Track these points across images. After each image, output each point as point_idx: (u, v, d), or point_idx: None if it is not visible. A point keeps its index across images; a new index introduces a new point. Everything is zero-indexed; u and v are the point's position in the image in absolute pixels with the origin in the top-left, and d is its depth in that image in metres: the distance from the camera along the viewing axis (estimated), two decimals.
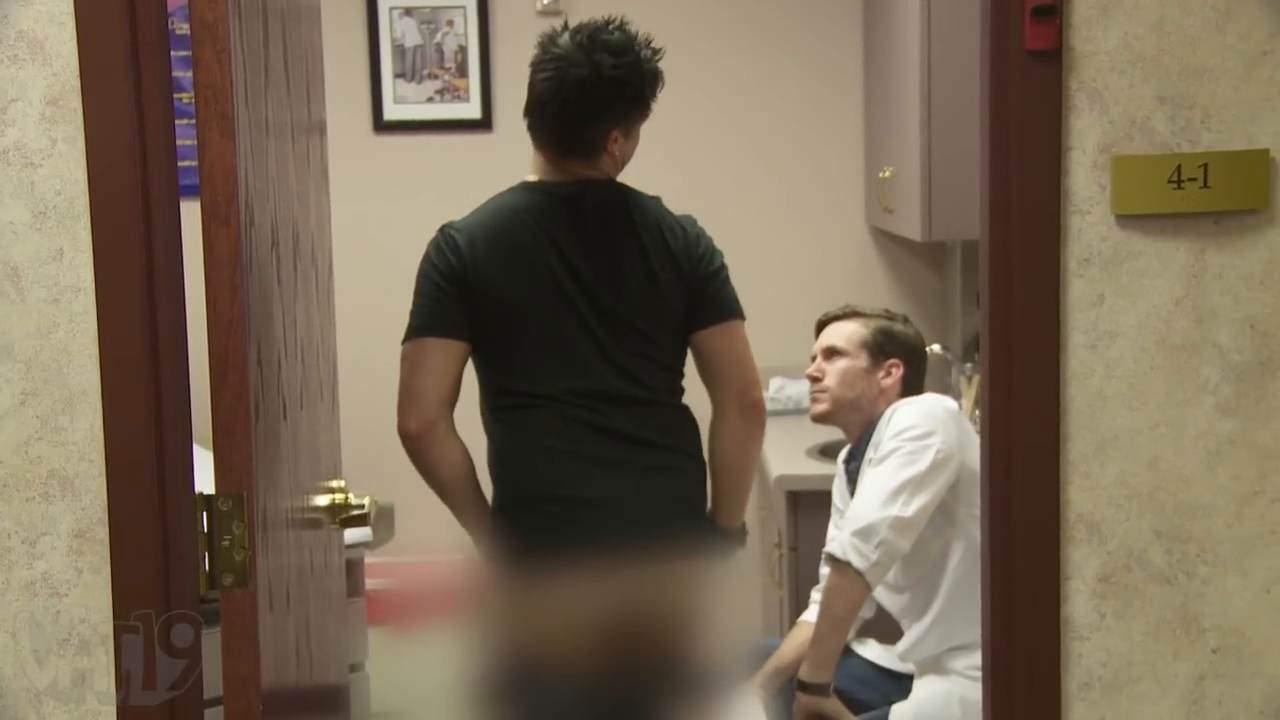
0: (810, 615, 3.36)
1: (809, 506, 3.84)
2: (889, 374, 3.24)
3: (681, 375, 2.92)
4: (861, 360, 3.25)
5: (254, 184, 2.06)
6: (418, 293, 2.89)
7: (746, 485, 2.95)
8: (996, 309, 1.90)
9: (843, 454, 3.36)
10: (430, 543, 4.79)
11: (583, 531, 2.79)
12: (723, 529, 2.94)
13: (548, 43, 2.86)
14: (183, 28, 1.98)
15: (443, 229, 2.91)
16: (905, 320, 3.34)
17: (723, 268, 2.90)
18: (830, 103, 4.78)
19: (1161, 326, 1.87)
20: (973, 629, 3.08)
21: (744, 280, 4.80)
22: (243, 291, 1.97)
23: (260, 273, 2.08)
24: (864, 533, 2.97)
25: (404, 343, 2.89)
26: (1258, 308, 1.85)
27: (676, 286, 2.85)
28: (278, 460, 2.19)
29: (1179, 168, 1.84)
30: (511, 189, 2.93)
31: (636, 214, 2.90)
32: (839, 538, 3.02)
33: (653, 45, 2.88)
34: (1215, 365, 1.86)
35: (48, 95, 1.84)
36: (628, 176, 4.98)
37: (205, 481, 1.98)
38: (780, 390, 4.69)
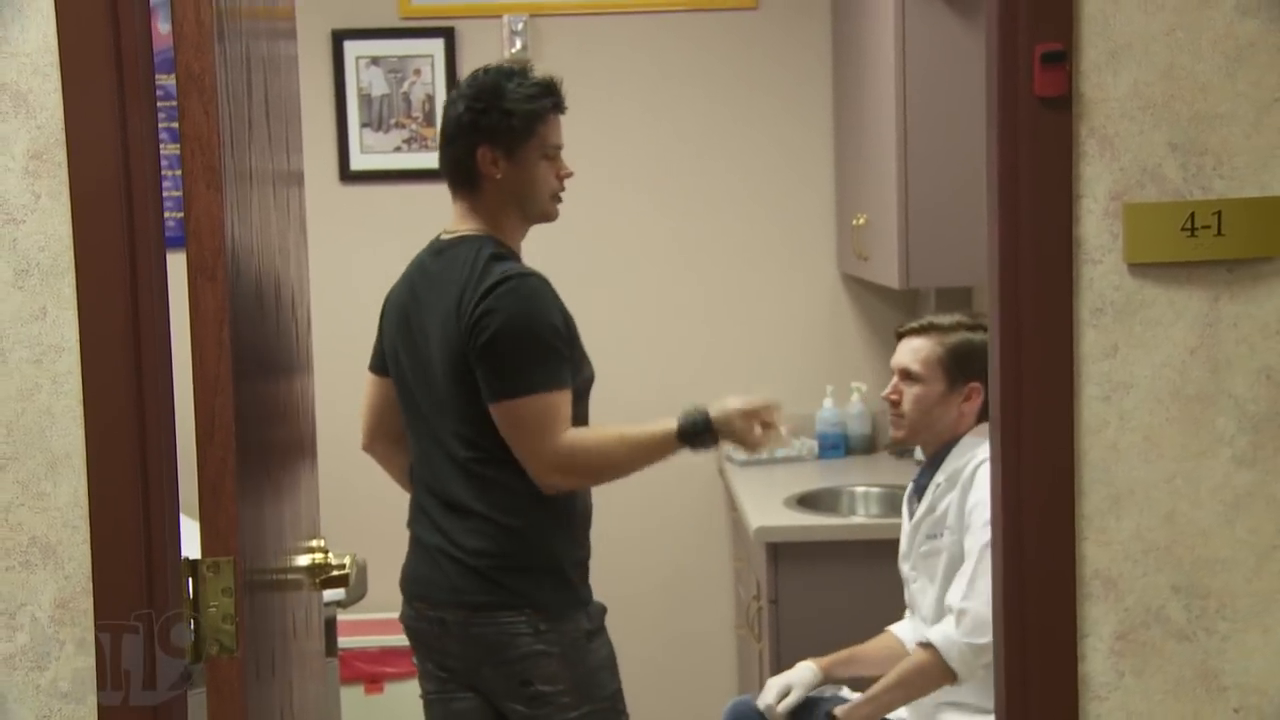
0: (898, 629, 3.24)
1: (790, 558, 3.79)
2: (969, 398, 3.06)
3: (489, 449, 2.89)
4: (937, 384, 3.06)
5: (239, 236, 2.00)
6: None
7: (628, 470, 2.93)
8: (1007, 361, 1.86)
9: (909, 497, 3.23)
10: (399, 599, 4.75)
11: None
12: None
13: None
14: (164, 78, 1.92)
15: None
16: (986, 329, 3.18)
17: (494, 340, 2.80)
18: (801, 146, 4.76)
19: (1176, 377, 1.83)
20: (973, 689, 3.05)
21: (711, 328, 4.84)
22: (229, 348, 1.91)
23: (245, 328, 2.02)
24: (979, 650, 2.85)
25: None
26: (1273, 357, 1.82)
27: (461, 359, 2.86)
28: (262, 522, 2.13)
29: (1192, 215, 1.81)
30: None
31: (455, 277, 2.91)
32: (952, 639, 2.88)
33: (532, 74, 2.95)
34: (1231, 416, 1.83)
35: (31, 149, 1.78)
36: (583, 223, 4.95)
37: (187, 545, 1.92)
38: None
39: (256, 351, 2.12)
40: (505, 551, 2.88)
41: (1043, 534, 1.85)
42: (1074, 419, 1.84)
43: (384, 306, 3.11)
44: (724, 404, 2.88)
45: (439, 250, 3.00)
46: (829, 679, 3.20)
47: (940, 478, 3.03)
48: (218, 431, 1.92)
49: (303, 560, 2.53)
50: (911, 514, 3.13)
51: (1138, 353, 1.83)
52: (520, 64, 3.02)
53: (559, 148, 2.98)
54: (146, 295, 1.81)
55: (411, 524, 3.04)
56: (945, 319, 3.13)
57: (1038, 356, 1.85)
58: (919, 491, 3.12)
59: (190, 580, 1.91)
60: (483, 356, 2.81)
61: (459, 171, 2.97)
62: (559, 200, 2.99)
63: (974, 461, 2.99)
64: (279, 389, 2.34)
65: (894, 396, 3.11)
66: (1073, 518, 1.84)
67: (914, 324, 3.15)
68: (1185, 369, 1.83)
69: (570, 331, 2.89)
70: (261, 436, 2.14)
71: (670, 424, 2.87)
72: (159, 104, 1.86)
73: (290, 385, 2.46)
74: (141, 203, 1.81)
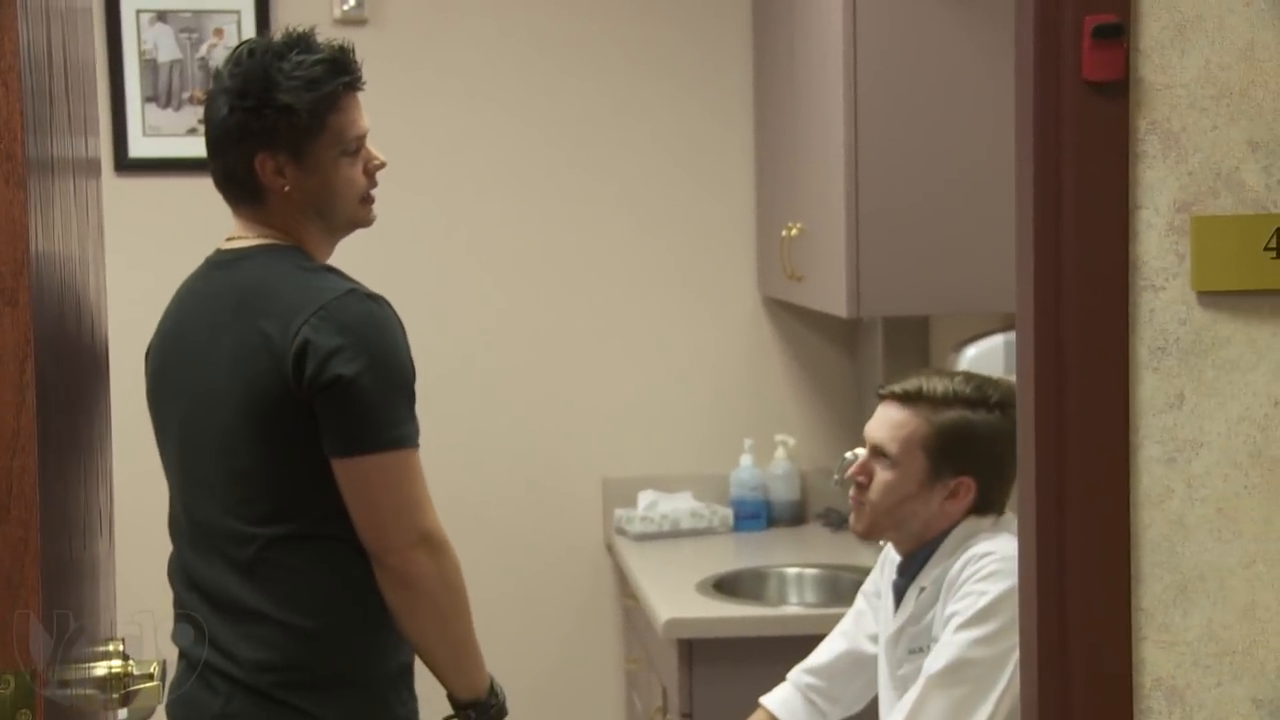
0: (769, 700, 3.28)
1: (708, 658, 3.78)
2: (955, 495, 2.98)
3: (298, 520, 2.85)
4: (915, 472, 2.98)
5: (43, 247, 1.94)
6: None
7: (441, 657, 2.88)
8: (1044, 415, 1.87)
9: (889, 565, 3.19)
10: None
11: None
12: (456, 702, 2.92)
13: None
14: None
15: None
16: (998, 406, 2.97)
17: (357, 379, 2.75)
18: (711, 137, 4.79)
19: (1257, 434, 1.85)
20: None
21: (597, 366, 4.82)
22: (34, 394, 1.85)
23: (49, 368, 1.96)
24: None
25: None
26: None
27: (269, 400, 2.80)
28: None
29: (1278, 231, 1.83)
30: None
31: (258, 293, 2.86)
32: None
33: (314, 47, 2.88)
34: None
35: None
36: (429, 233, 4.91)
37: None
38: (652, 507, 4.63)
39: (59, 398, 2.05)
40: (295, 663, 2.81)
41: (1090, 634, 1.85)
42: (1129, 487, 1.85)
43: (145, 364, 3.04)
44: None
45: (221, 264, 2.94)
46: None
47: (925, 581, 3.01)
48: (16, 505, 1.85)
49: (98, 670, 2.46)
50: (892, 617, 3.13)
51: (1210, 403, 1.85)
52: (296, 34, 2.90)
53: (361, 137, 2.90)
54: None
55: (174, 635, 2.91)
56: (940, 384, 3.02)
57: (1082, 408, 1.86)
58: (897, 593, 3.11)
59: None
60: (336, 398, 2.75)
61: (235, 185, 2.92)
62: (371, 201, 2.93)
63: (959, 562, 2.96)
64: (81, 446, 2.27)
65: (861, 477, 3.05)
66: (1129, 613, 1.85)
67: (897, 387, 3.05)
68: (1269, 424, 1.85)
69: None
70: (64, 508, 2.08)
71: (487, 677, 2.93)
72: None
73: (90, 438, 2.39)
74: None
